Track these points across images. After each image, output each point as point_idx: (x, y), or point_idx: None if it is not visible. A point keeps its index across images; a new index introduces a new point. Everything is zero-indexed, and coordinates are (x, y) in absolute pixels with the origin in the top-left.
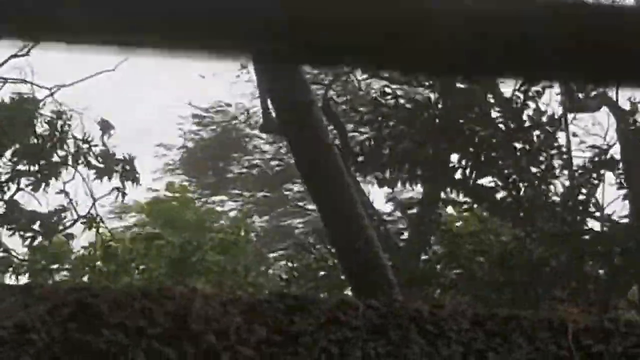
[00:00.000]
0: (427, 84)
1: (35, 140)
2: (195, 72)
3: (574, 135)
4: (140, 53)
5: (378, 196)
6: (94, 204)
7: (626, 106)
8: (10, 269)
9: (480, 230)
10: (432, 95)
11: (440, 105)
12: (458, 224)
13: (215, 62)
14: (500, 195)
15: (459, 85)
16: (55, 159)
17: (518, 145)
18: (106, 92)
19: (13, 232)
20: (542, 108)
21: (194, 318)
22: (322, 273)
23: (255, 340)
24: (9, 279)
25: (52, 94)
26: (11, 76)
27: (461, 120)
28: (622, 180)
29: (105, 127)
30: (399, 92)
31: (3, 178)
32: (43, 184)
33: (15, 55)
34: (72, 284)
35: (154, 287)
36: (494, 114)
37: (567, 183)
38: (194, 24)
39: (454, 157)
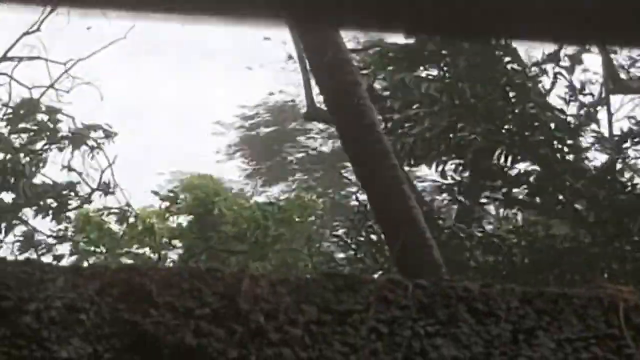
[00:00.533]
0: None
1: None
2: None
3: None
4: (168, 18)
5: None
6: (108, 166)
7: None
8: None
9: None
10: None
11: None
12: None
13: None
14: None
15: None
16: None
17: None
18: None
19: (37, 213)
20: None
21: (243, 298)
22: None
23: (305, 320)
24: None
25: (66, 71)
26: (24, 54)
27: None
28: None
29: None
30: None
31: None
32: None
33: (27, 33)
34: (120, 264)
35: (202, 267)
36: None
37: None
38: None
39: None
